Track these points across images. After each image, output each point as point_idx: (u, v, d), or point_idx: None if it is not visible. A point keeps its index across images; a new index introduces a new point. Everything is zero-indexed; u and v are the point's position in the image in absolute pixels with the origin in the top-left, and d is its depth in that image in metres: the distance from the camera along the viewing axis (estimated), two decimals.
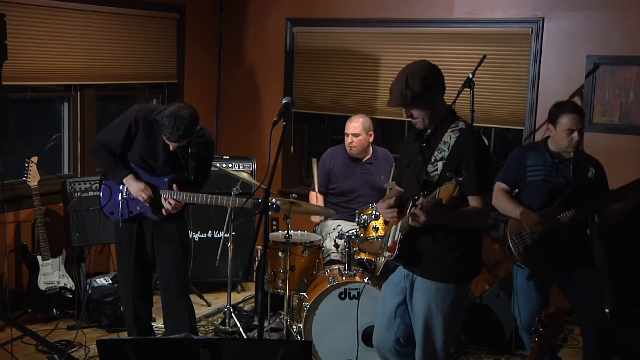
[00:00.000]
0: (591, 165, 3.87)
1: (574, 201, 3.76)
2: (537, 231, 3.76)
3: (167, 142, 3.75)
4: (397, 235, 3.16)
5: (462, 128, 3.08)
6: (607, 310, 4.28)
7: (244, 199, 3.84)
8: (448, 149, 3.05)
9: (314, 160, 5.15)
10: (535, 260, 3.85)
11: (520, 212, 3.83)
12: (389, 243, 3.27)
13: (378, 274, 3.34)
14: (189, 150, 3.86)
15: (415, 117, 3.10)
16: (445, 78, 3.15)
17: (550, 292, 3.97)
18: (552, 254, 3.82)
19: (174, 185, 3.86)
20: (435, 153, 3.08)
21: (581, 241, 3.88)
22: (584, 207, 3.75)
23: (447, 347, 3.24)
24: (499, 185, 3.96)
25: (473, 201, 3.06)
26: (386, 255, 3.26)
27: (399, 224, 3.20)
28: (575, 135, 3.76)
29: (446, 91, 3.18)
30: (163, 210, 3.87)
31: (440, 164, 3.05)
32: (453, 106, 3.43)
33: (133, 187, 3.89)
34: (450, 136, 3.06)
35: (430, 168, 3.07)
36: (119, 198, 3.99)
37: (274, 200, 3.71)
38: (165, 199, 3.84)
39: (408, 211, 3.07)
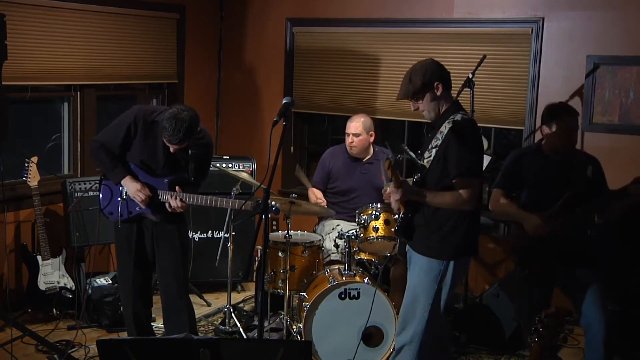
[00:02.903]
0: (589, 162, 3.89)
1: (575, 202, 3.76)
2: (540, 235, 3.76)
3: (168, 144, 3.75)
4: (400, 213, 3.47)
5: (456, 120, 3.31)
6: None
7: (244, 202, 3.84)
8: (441, 137, 3.31)
9: (298, 167, 5.34)
10: (535, 262, 3.85)
11: (521, 216, 3.85)
12: None
13: (397, 249, 3.67)
14: (189, 152, 3.87)
15: (421, 110, 3.41)
16: None
17: (551, 295, 3.93)
18: (552, 256, 3.81)
19: (177, 187, 3.86)
20: (432, 142, 3.36)
21: (581, 242, 3.87)
22: (585, 207, 3.76)
23: (426, 326, 3.38)
24: (497, 192, 4.00)
25: (455, 185, 3.30)
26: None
27: None
28: (572, 135, 3.83)
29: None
30: (168, 208, 3.87)
31: (433, 152, 3.34)
32: None
33: (130, 187, 3.89)
34: (445, 126, 3.31)
35: (426, 155, 3.37)
36: (119, 198, 3.99)
37: (273, 202, 3.70)
38: (172, 197, 3.84)
39: None
